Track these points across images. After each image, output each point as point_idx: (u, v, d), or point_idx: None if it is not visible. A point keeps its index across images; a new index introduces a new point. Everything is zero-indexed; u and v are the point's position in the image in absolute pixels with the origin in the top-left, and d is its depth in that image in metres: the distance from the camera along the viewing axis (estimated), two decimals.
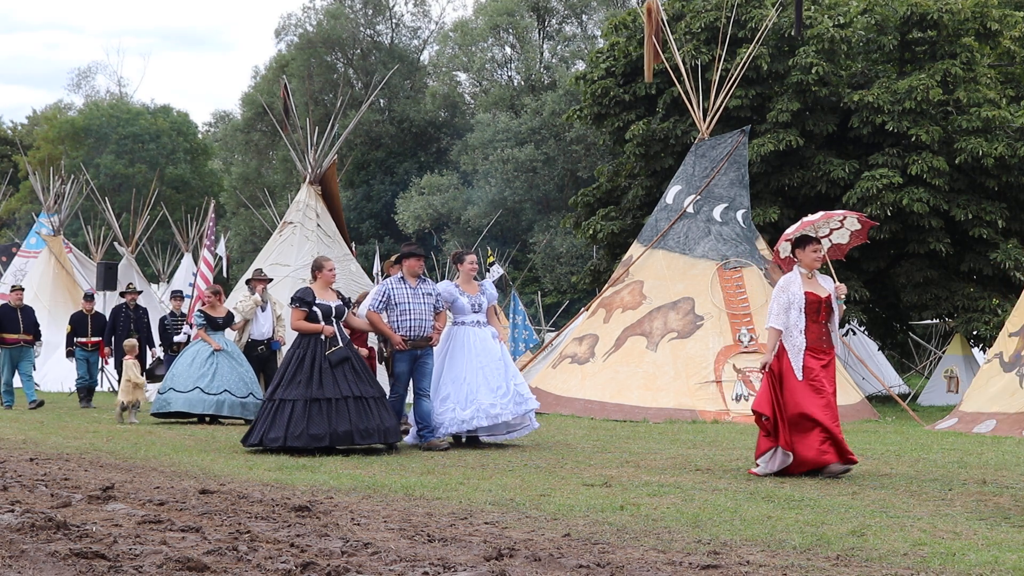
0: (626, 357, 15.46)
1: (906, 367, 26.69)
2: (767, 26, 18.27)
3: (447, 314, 11.23)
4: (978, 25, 19.65)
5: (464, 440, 11.18)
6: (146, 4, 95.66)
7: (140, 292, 18.90)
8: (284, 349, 15.07)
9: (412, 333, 10.83)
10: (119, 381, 16.86)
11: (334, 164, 18.72)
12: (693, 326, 15.43)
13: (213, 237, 16.89)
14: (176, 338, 16.48)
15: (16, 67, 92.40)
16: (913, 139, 18.68)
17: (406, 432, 11.00)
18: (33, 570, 4.88)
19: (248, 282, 15.30)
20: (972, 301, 19.05)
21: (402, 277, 11.04)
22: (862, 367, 19.38)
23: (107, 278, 22.56)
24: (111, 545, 5.38)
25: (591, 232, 21.79)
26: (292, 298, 10.67)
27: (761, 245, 16.91)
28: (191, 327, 15.70)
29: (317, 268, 10.79)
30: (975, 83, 19.45)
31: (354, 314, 11.29)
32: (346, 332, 10.67)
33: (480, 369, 10.90)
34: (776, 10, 18.99)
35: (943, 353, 21.12)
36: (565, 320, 27.13)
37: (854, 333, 22.59)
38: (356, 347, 12.03)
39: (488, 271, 23.34)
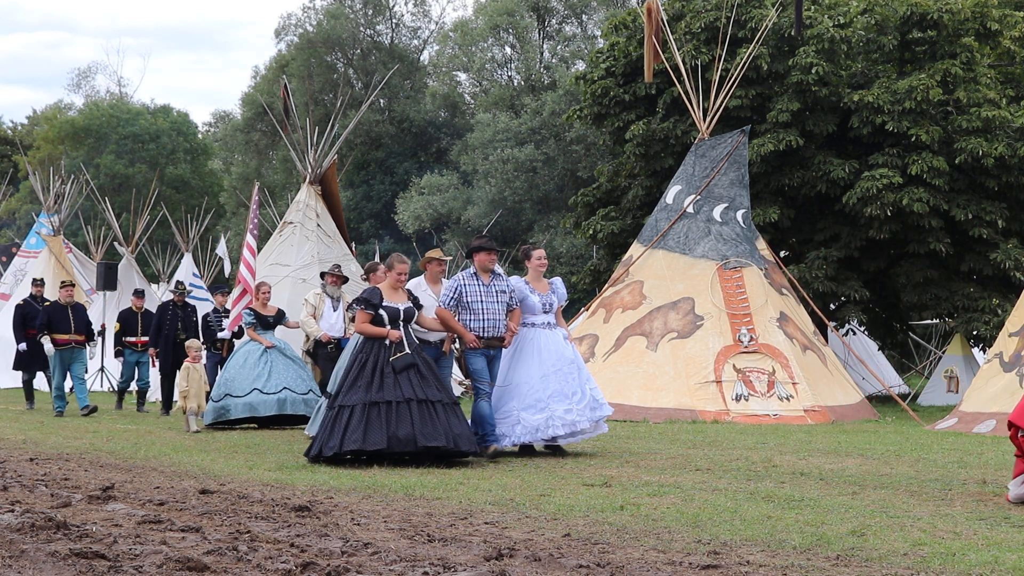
0: (626, 357, 15.46)
1: (906, 367, 26.68)
2: (767, 26, 18.27)
3: (519, 314, 10.38)
4: (978, 25, 19.65)
5: (543, 448, 10.31)
6: (146, 4, 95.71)
7: (190, 291, 17.54)
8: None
9: (484, 334, 10.05)
10: (165, 382, 16.10)
11: (334, 164, 18.72)
12: (693, 326, 15.43)
13: (256, 221, 15.55)
14: (220, 335, 15.23)
15: (16, 67, 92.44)
16: (913, 139, 18.68)
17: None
18: (33, 570, 4.88)
19: (322, 275, 14.25)
20: (972, 301, 19.05)
21: (474, 273, 10.24)
22: (862, 367, 19.38)
23: (107, 278, 22.55)
24: (111, 545, 5.38)
25: (591, 232, 21.80)
26: (357, 299, 10.03)
27: (761, 245, 16.91)
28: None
29: (387, 267, 10.00)
30: (975, 83, 19.46)
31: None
32: (414, 337, 9.88)
33: (554, 374, 10.09)
34: (776, 10, 18.99)
35: (943, 353, 21.12)
36: (565, 320, 27.09)
37: (854, 333, 22.59)
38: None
39: None
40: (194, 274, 29.19)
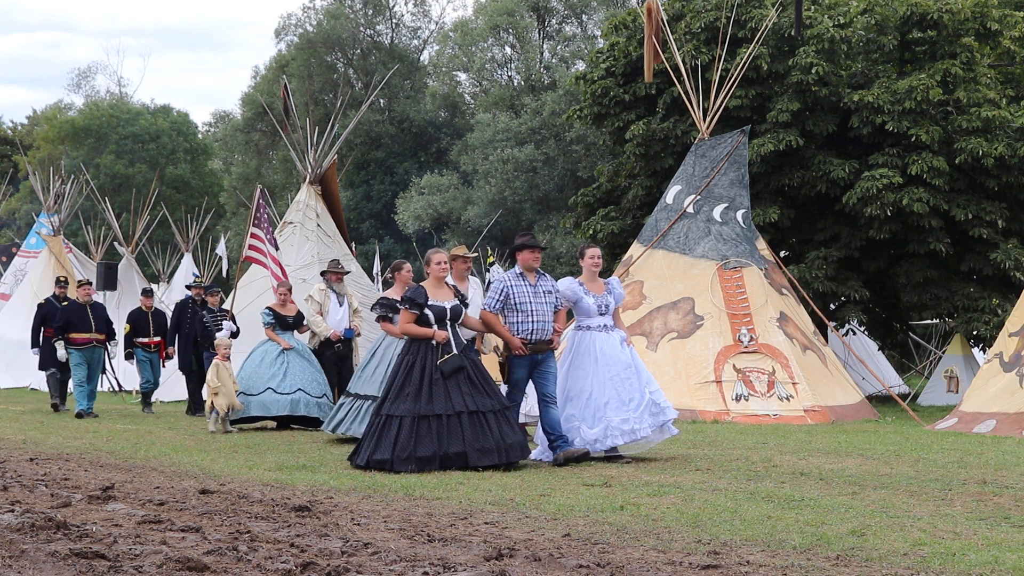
0: None
1: (906, 367, 26.68)
2: (767, 26, 18.27)
3: (564, 315, 9.90)
4: (978, 25, 19.65)
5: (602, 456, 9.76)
6: (146, 4, 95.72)
7: (208, 286, 17.10)
8: (362, 342, 14.18)
9: (533, 336, 9.54)
10: (189, 378, 15.79)
11: (334, 164, 18.72)
12: (693, 326, 15.44)
13: (268, 225, 15.08)
14: (219, 335, 14.84)
15: (16, 67, 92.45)
16: (913, 139, 18.68)
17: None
18: (33, 570, 4.88)
19: (323, 273, 14.08)
20: (972, 301, 19.05)
21: (520, 273, 9.70)
22: (862, 367, 19.38)
23: (107, 278, 22.56)
24: (111, 545, 5.38)
25: (591, 232, 21.79)
26: (402, 298, 9.50)
27: (761, 245, 16.91)
28: (234, 321, 14.56)
29: (425, 262, 9.52)
30: (975, 83, 19.46)
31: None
32: (462, 337, 9.40)
33: (609, 380, 9.55)
34: (776, 10, 18.99)
35: (943, 353, 21.12)
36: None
37: (854, 333, 22.59)
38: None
39: (488, 271, 23.33)
40: (194, 274, 29.20)
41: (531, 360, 9.57)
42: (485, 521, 6.48)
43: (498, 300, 9.60)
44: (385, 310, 11.38)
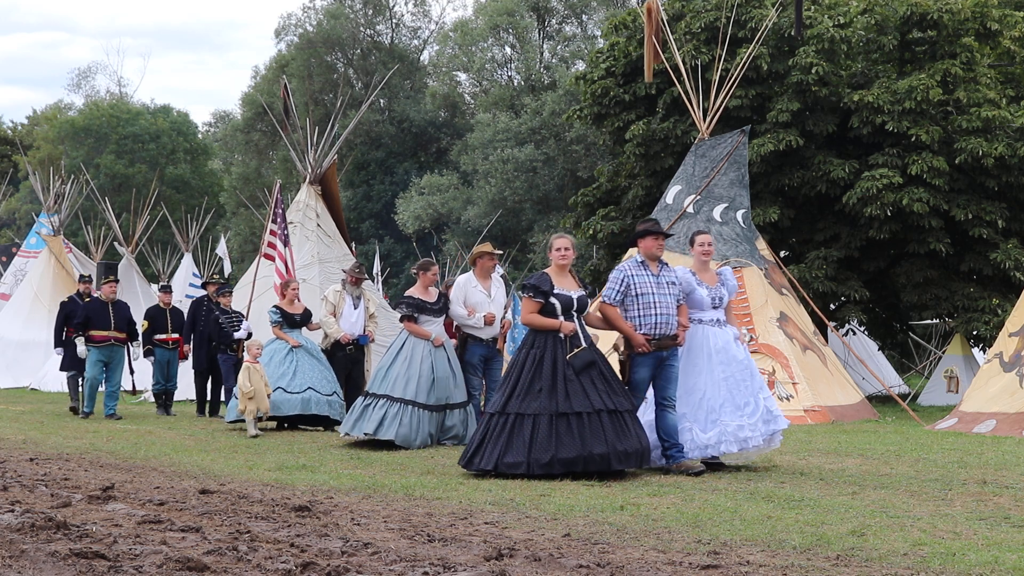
0: None
1: (906, 367, 26.68)
2: (767, 26, 18.27)
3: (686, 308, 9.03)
4: (978, 25, 19.65)
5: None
6: (145, 4, 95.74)
7: (224, 281, 16.74)
8: (374, 346, 13.92)
9: (658, 331, 8.65)
10: (200, 380, 15.65)
11: (334, 164, 18.71)
12: None
13: (283, 222, 14.95)
14: (236, 335, 14.57)
15: (16, 67, 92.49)
16: (913, 139, 18.68)
17: None
18: (33, 570, 4.88)
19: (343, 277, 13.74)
20: (972, 301, 19.05)
21: (642, 262, 8.85)
22: (862, 367, 19.38)
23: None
24: (111, 545, 5.38)
25: (591, 232, 21.80)
26: (523, 285, 8.74)
27: (761, 245, 16.91)
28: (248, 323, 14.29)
29: (548, 248, 8.76)
30: (975, 83, 19.45)
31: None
32: (588, 330, 8.71)
33: (724, 381, 8.78)
34: (776, 10, 18.99)
35: (943, 353, 21.11)
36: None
37: (854, 333, 22.59)
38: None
39: None
40: (194, 274, 29.23)
41: (655, 358, 8.70)
42: (485, 521, 6.48)
43: (618, 291, 8.74)
44: (411, 309, 11.17)
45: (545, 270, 8.75)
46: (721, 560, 5.34)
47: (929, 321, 23.32)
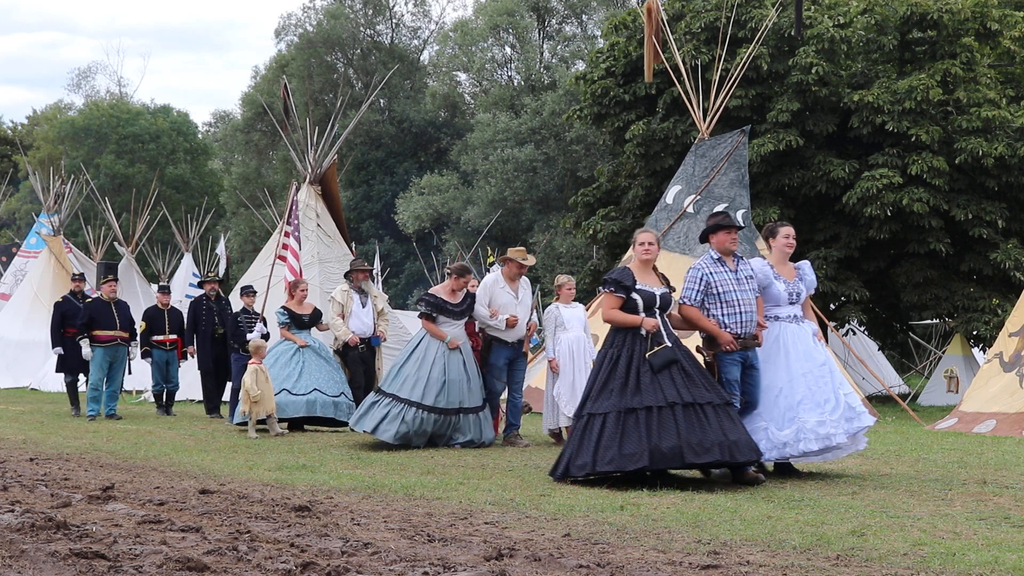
0: None
1: (906, 367, 26.69)
2: (767, 26, 18.27)
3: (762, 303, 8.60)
4: (978, 25, 19.66)
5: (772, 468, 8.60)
6: (145, 4, 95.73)
7: (221, 280, 16.58)
8: (386, 347, 13.76)
9: (742, 330, 8.28)
10: (207, 380, 15.42)
11: (334, 164, 18.72)
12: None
13: (297, 222, 14.83)
14: (249, 336, 14.18)
15: (16, 67, 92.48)
16: (913, 139, 18.68)
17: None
18: (33, 570, 4.88)
19: (347, 274, 13.47)
20: (972, 301, 19.06)
21: (718, 258, 8.48)
22: (862, 367, 19.37)
23: None
24: (111, 545, 5.38)
25: (591, 232, 21.80)
26: (605, 279, 8.36)
27: (761, 245, 16.89)
28: (264, 324, 14.16)
29: (631, 243, 8.43)
30: (975, 83, 19.46)
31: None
32: (672, 328, 8.32)
33: (802, 377, 8.32)
34: (776, 10, 18.99)
35: (943, 353, 21.12)
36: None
37: (854, 333, 22.59)
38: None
39: (488, 271, 23.33)
40: (194, 274, 29.23)
41: (742, 357, 8.32)
42: (485, 521, 6.48)
43: (698, 290, 8.38)
44: (430, 308, 11.07)
45: (627, 264, 8.50)
46: (721, 560, 5.34)
47: (929, 321, 23.32)
